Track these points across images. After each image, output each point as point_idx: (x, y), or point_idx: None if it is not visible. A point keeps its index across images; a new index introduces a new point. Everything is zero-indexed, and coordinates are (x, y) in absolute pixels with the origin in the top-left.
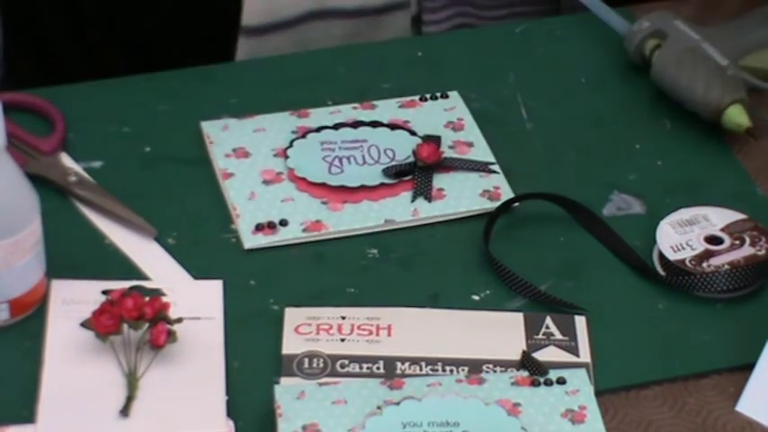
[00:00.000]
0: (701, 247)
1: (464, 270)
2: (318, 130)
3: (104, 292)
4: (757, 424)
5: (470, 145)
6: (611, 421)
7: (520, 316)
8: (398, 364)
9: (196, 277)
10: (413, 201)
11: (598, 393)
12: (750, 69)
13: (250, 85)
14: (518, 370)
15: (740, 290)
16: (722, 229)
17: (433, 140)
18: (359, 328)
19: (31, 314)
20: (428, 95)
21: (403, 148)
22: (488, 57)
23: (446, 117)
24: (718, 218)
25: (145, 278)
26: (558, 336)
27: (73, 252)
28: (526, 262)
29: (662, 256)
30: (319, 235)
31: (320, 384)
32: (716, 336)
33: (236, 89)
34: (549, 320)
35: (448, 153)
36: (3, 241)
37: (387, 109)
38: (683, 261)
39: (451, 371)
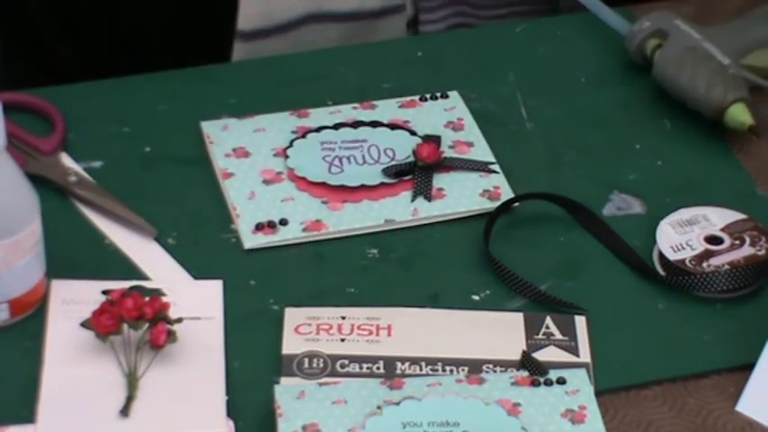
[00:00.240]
0: (701, 247)
1: (464, 270)
2: (318, 129)
3: (104, 292)
4: (757, 424)
5: (470, 145)
6: (611, 421)
7: (520, 316)
8: (398, 364)
9: (196, 277)
10: (413, 200)
11: (598, 393)
12: (751, 68)
13: (250, 85)
14: (518, 370)
15: (740, 290)
16: (722, 229)
17: (433, 140)
18: (359, 328)
19: (31, 314)
20: (428, 95)
21: (403, 147)
22: (488, 56)
23: (446, 117)
24: (718, 218)
25: (145, 278)
26: (558, 336)
27: (73, 252)
28: (526, 262)
29: (662, 256)
30: (319, 235)
31: (320, 384)
32: (716, 336)
33: (236, 89)
34: (549, 320)
35: (448, 153)
36: (3, 241)
37: (387, 109)
38: (683, 261)
39: (451, 371)
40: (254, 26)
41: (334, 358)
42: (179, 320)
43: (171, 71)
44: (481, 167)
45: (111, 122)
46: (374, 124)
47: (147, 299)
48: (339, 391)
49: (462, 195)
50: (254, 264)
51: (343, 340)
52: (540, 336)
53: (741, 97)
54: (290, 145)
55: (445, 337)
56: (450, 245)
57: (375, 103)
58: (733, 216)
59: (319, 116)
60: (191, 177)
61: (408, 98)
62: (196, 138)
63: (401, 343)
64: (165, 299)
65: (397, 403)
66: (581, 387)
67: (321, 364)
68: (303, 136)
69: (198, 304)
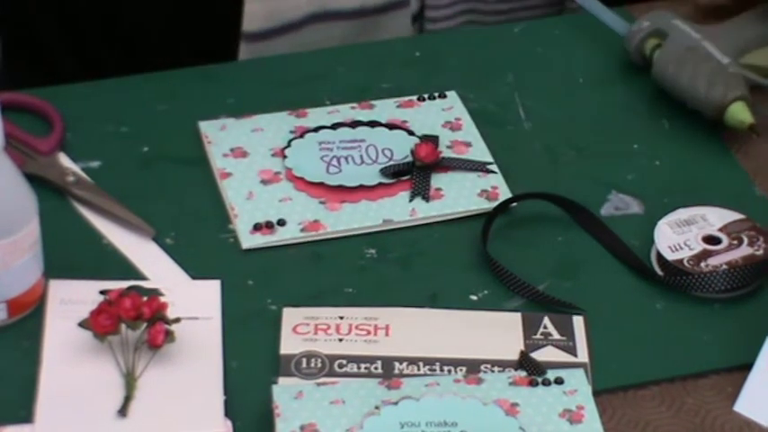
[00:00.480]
0: (699, 246)
1: (462, 270)
2: (316, 129)
3: (102, 292)
4: (755, 424)
5: (468, 145)
6: (609, 421)
7: (518, 316)
8: (396, 364)
9: (194, 277)
10: (411, 200)
11: (596, 393)
12: (751, 67)
13: (248, 85)
14: (516, 370)
15: (738, 290)
16: (720, 229)
17: (431, 140)
18: (357, 327)
19: (29, 314)
20: (426, 95)
21: (401, 147)
22: (486, 57)
23: (444, 117)
24: (716, 218)
25: (143, 278)
26: (556, 336)
27: (71, 252)
28: (524, 262)
29: (660, 256)
30: (317, 235)
31: (318, 384)
32: (714, 336)
33: (235, 89)
34: (546, 320)
35: (446, 153)
36: (1, 241)
37: (385, 109)
38: (680, 261)
39: (449, 371)
40: (259, 27)
41: (333, 358)
42: (177, 320)
43: (169, 71)
44: (479, 167)
45: (109, 122)
46: (372, 124)
47: (144, 299)
48: (337, 391)
49: (460, 195)
50: (252, 264)
51: (341, 340)
52: (538, 336)
53: (741, 96)
54: (288, 145)
55: (443, 337)
56: (449, 245)
57: (373, 102)
58: (731, 216)
59: (317, 116)
60: (189, 177)
61: (406, 98)
62: (194, 138)
63: (399, 343)
64: (162, 299)
65: (395, 403)
66: (579, 387)
67: (319, 364)
68: (301, 136)
69: (196, 304)
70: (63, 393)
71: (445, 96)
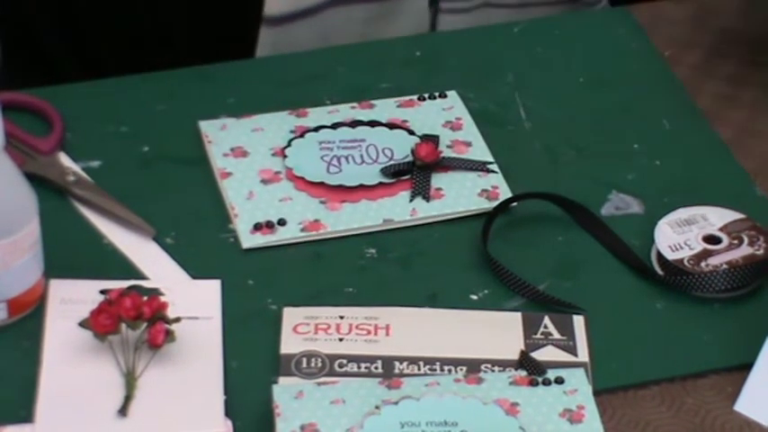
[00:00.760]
0: (700, 246)
1: (462, 270)
2: (317, 129)
3: (102, 292)
4: (755, 423)
5: (469, 144)
6: (609, 421)
7: (518, 315)
8: (397, 364)
9: (194, 277)
10: (411, 200)
11: (596, 393)
12: None
13: (248, 85)
14: (516, 370)
15: (738, 289)
16: (720, 229)
17: (432, 140)
18: (357, 327)
19: (30, 314)
20: (426, 95)
21: (401, 147)
22: (487, 56)
23: (444, 116)
24: (716, 217)
25: (143, 278)
26: (557, 335)
27: (71, 252)
28: (524, 262)
29: (660, 256)
30: (317, 234)
31: (318, 384)
32: (714, 335)
33: (235, 89)
34: (547, 320)
35: (446, 152)
36: (1, 241)
37: (385, 108)
38: (681, 261)
39: (450, 370)
40: (281, 11)
41: (333, 358)
42: (177, 320)
43: (169, 71)
44: (479, 167)
45: (110, 122)
46: (372, 124)
47: (145, 298)
48: (337, 391)
49: (460, 195)
50: (252, 263)
51: (341, 340)
52: (539, 335)
53: None
54: (289, 144)
55: (443, 337)
56: (449, 245)
57: (373, 102)
58: (731, 216)
59: (318, 116)
60: (189, 177)
61: (407, 98)
62: (194, 137)
63: (399, 343)
64: (163, 298)
65: (396, 403)
66: (579, 387)
67: (319, 364)
68: (301, 135)
69: (196, 304)
70: (63, 393)
71: (445, 96)
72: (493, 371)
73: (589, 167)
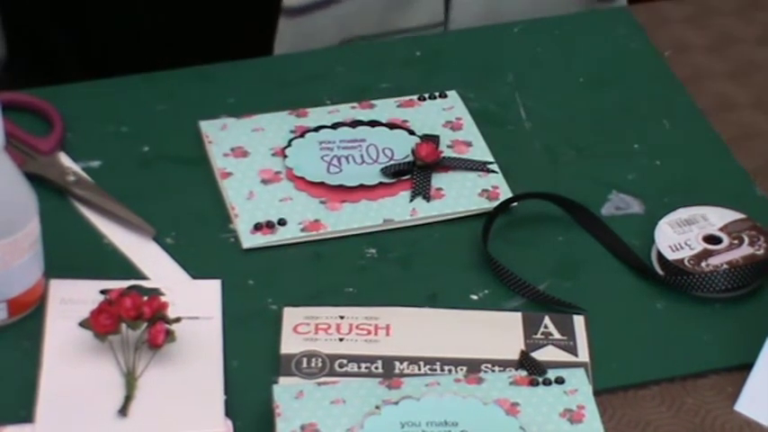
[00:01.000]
0: (700, 246)
1: (462, 270)
2: (317, 129)
3: (103, 292)
4: (756, 424)
5: (469, 144)
6: (610, 421)
7: (518, 315)
8: (397, 364)
9: (194, 277)
10: (411, 200)
11: (596, 393)
12: None
13: (248, 85)
14: (516, 369)
15: (739, 289)
16: (721, 229)
17: (432, 140)
18: (357, 327)
19: (30, 314)
20: (426, 95)
21: (401, 147)
22: (487, 56)
23: (444, 116)
24: (716, 217)
25: (143, 278)
26: (557, 335)
27: (71, 252)
28: (524, 262)
29: (660, 256)
30: (318, 234)
31: (319, 384)
32: (714, 335)
33: (235, 88)
34: (547, 320)
35: (446, 152)
36: (1, 241)
37: (385, 108)
38: (681, 261)
39: (450, 370)
40: (299, 2)
41: (333, 358)
42: (177, 320)
43: (169, 71)
44: (480, 167)
45: (110, 122)
46: (373, 124)
47: (145, 298)
48: (338, 391)
49: (461, 195)
50: (252, 263)
51: (341, 340)
52: (539, 335)
53: None
54: (289, 144)
55: (444, 337)
56: (449, 245)
57: (374, 102)
58: (731, 216)
59: (318, 116)
60: (189, 177)
61: (407, 98)
62: (194, 137)
63: (400, 343)
64: (163, 298)
65: (396, 403)
66: (579, 387)
67: (319, 364)
68: (302, 135)
69: (196, 304)
70: (63, 393)
71: (446, 96)
72: (493, 371)
73: (589, 167)
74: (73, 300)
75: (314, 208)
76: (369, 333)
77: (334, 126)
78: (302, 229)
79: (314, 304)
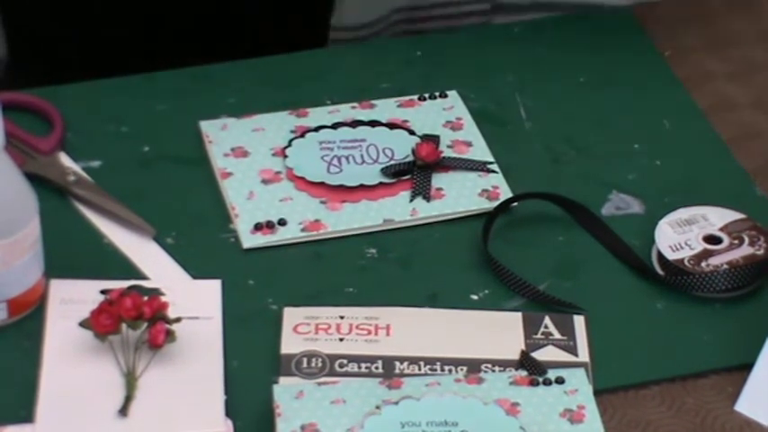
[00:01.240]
0: (700, 246)
1: (463, 270)
2: (317, 129)
3: (103, 292)
4: (756, 423)
5: (469, 144)
6: (610, 421)
7: (518, 315)
8: (397, 364)
9: (195, 277)
10: (411, 200)
11: (597, 393)
12: None
13: (249, 85)
14: (517, 369)
15: (739, 289)
16: (721, 229)
17: (432, 140)
18: (357, 327)
19: (30, 314)
20: (427, 95)
21: (402, 147)
22: (487, 56)
23: (445, 116)
24: (716, 217)
25: (143, 278)
26: (557, 335)
27: (71, 252)
28: (525, 262)
29: (661, 256)
30: (318, 234)
31: (319, 384)
32: (714, 335)
33: (235, 88)
34: (547, 320)
35: (447, 152)
36: (1, 241)
37: (385, 108)
38: (681, 261)
39: (450, 370)
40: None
41: (333, 358)
42: (177, 320)
43: (169, 71)
44: (480, 167)
45: (110, 122)
46: (373, 124)
47: (145, 298)
48: (338, 391)
49: (461, 195)
50: (252, 263)
51: (341, 340)
52: (539, 335)
53: None
54: (289, 144)
55: (444, 337)
56: (449, 245)
57: (374, 102)
58: (732, 216)
59: (318, 116)
60: (189, 177)
61: (407, 98)
62: (195, 137)
63: (400, 343)
64: (163, 298)
65: (396, 403)
66: (580, 387)
67: (320, 364)
68: (302, 135)
69: (196, 304)
70: (63, 393)
71: (446, 96)
72: (493, 371)
73: (589, 167)
74: (73, 300)
75: (314, 208)
76: (369, 333)
77: (335, 126)
78: (302, 229)
79: (314, 304)
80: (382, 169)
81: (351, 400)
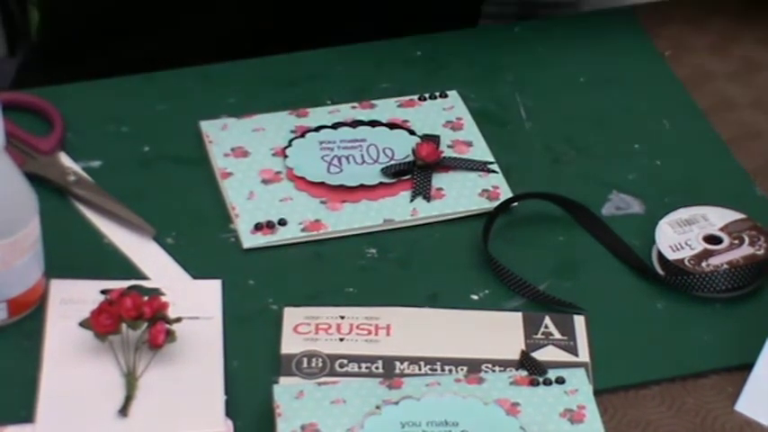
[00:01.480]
0: (700, 246)
1: (463, 270)
2: (317, 129)
3: (103, 292)
4: (756, 423)
5: (469, 144)
6: (610, 421)
7: (519, 315)
8: (397, 364)
9: (195, 277)
10: (412, 200)
11: (597, 393)
12: None
13: (249, 85)
14: (517, 369)
15: (739, 289)
16: (721, 229)
17: (432, 140)
18: (358, 327)
19: (30, 314)
20: (427, 95)
21: (402, 147)
22: (487, 56)
23: (445, 116)
24: (717, 217)
25: (143, 278)
26: (557, 335)
27: (71, 252)
28: (525, 261)
29: (661, 256)
30: (318, 234)
31: (319, 384)
32: (715, 335)
33: (235, 88)
34: (547, 320)
35: (447, 152)
36: (1, 241)
37: (386, 108)
38: (681, 261)
39: (450, 370)
40: None
41: (333, 358)
42: (178, 320)
43: (169, 71)
44: (480, 167)
45: (110, 122)
46: (373, 124)
47: (145, 298)
48: (338, 391)
49: (461, 195)
50: (252, 263)
51: (341, 340)
52: (539, 335)
53: None
54: (289, 144)
55: (444, 337)
56: (449, 245)
57: (374, 102)
58: (732, 216)
59: (318, 116)
60: (190, 177)
61: (407, 98)
62: (195, 137)
63: (400, 343)
64: (163, 298)
65: (396, 403)
66: (580, 387)
67: (320, 364)
68: (302, 135)
69: (197, 304)
70: (64, 393)
71: (446, 96)
72: (493, 371)
73: (589, 167)
74: (73, 300)
75: (314, 208)
76: (369, 333)
77: (335, 126)
78: (303, 229)
79: (314, 304)
80: (382, 169)
81: (351, 400)
